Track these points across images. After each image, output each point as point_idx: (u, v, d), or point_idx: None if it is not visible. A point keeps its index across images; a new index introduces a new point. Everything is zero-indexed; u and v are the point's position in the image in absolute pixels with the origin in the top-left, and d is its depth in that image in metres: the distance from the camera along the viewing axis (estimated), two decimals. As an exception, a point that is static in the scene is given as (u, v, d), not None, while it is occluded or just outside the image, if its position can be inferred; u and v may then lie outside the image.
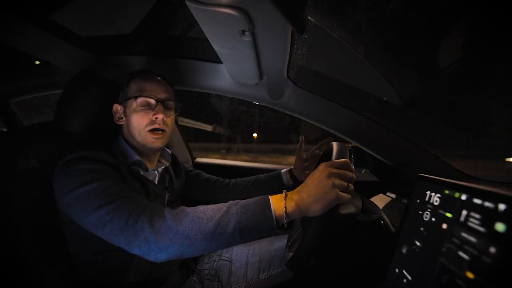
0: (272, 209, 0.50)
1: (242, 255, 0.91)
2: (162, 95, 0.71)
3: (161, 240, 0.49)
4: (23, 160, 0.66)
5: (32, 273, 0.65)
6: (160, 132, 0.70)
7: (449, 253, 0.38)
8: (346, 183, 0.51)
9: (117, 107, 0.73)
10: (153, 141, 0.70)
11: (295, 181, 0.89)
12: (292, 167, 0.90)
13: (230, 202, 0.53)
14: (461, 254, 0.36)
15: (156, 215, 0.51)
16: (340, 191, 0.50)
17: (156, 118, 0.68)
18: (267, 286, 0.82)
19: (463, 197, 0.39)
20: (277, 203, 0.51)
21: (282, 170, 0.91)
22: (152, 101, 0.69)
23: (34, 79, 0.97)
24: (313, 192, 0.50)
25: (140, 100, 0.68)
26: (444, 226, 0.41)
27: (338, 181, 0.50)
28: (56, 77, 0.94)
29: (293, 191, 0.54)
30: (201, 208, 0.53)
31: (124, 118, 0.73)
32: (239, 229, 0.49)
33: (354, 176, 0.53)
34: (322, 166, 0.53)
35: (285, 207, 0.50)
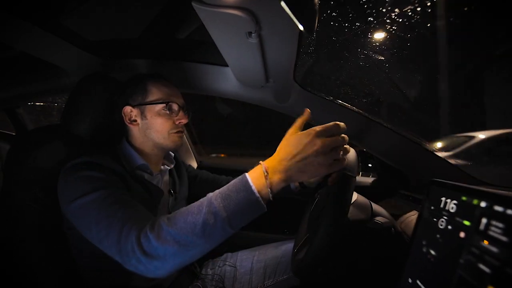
0: (255, 191, 0.45)
1: (247, 261, 0.89)
2: (182, 100, 0.75)
3: (153, 260, 0.46)
4: (30, 163, 0.66)
5: (36, 276, 0.64)
6: (182, 133, 0.75)
7: (468, 264, 0.36)
8: (339, 152, 0.47)
9: (128, 109, 0.71)
10: (177, 141, 0.73)
11: (303, 187, 0.85)
12: None
13: (209, 195, 0.48)
14: (482, 266, 0.33)
15: (142, 234, 0.47)
16: (334, 160, 0.46)
17: (179, 122, 0.73)
18: None
19: (483, 204, 0.37)
20: (258, 181, 0.46)
21: None
22: (176, 106, 0.72)
23: (43, 82, 0.98)
24: (302, 168, 0.45)
25: (165, 104, 0.71)
26: (462, 234, 0.38)
27: (329, 155, 0.45)
28: (64, 81, 0.95)
29: (273, 159, 0.48)
30: (179, 217, 0.47)
31: (138, 121, 0.71)
32: (228, 222, 0.45)
33: (346, 138, 0.48)
34: (308, 137, 0.46)
35: (270, 186, 0.45)
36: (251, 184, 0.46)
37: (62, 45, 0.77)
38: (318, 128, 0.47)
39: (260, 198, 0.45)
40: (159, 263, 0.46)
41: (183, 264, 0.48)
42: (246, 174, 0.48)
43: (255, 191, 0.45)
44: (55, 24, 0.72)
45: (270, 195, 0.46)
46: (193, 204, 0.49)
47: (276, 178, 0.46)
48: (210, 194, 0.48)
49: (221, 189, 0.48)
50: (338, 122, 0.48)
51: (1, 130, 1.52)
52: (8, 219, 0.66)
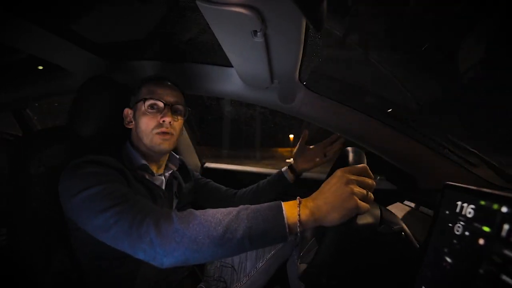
0: (285, 216, 0.47)
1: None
2: (171, 99, 0.71)
3: (167, 243, 0.46)
4: (35, 164, 0.66)
5: (36, 276, 0.64)
6: (168, 134, 0.70)
7: (489, 275, 0.33)
8: (365, 191, 0.47)
9: (127, 111, 0.74)
10: (160, 143, 0.69)
11: (296, 176, 0.90)
12: (292, 163, 0.91)
13: (241, 206, 0.51)
14: (504, 277, 0.31)
15: (162, 218, 0.49)
16: (359, 199, 0.46)
17: (163, 121, 0.68)
18: (266, 273, 0.84)
19: (504, 209, 0.34)
20: (290, 209, 0.48)
21: (283, 169, 0.92)
22: (160, 104, 0.69)
23: (49, 84, 0.99)
24: (330, 199, 0.47)
25: (148, 102, 0.69)
26: (481, 241, 0.36)
27: (357, 189, 0.46)
28: (70, 82, 0.95)
29: (308, 198, 0.50)
30: (210, 211, 0.50)
31: (133, 122, 0.72)
32: (249, 235, 0.46)
33: (374, 183, 0.49)
34: (339, 172, 0.49)
35: (299, 215, 0.47)
36: (283, 208, 0.48)
37: (68, 47, 0.77)
38: (347, 167, 0.50)
39: (287, 225, 0.46)
40: (170, 249, 0.46)
41: (188, 261, 0.48)
42: (281, 202, 0.50)
43: (285, 215, 0.47)
44: (61, 26, 0.72)
45: (298, 227, 0.47)
46: (228, 208, 0.51)
47: (306, 211, 0.48)
48: (244, 205, 0.51)
49: (255, 205, 0.51)
50: (367, 167, 0.51)
51: (7, 132, 1.54)
52: (11, 219, 0.66)
